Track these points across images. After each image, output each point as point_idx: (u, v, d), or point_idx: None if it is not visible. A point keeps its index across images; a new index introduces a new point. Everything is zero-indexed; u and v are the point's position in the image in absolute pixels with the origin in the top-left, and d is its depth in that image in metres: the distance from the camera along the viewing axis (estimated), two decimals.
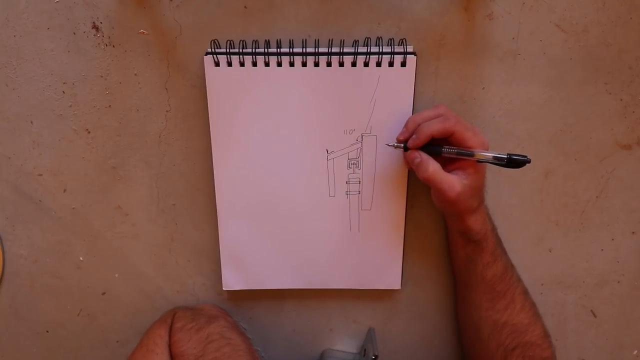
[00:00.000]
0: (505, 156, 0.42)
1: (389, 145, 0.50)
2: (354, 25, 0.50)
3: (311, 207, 0.54)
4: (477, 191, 0.48)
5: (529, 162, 0.41)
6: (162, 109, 0.53)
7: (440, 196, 0.47)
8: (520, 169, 0.54)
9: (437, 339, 0.61)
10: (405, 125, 0.49)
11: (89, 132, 0.53)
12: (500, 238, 0.53)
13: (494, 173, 0.55)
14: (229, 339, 0.51)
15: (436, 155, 0.47)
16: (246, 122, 0.51)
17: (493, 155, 0.43)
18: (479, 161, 0.46)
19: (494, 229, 0.52)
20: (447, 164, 0.48)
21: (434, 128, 0.46)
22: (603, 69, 0.52)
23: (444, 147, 0.47)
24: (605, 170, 0.55)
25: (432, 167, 0.46)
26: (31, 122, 0.53)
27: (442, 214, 0.54)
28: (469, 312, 0.55)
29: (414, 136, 0.47)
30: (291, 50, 0.49)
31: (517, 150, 0.54)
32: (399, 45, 0.49)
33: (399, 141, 0.49)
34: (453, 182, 0.46)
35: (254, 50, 0.49)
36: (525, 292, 0.53)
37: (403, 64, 0.49)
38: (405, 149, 0.49)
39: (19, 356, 0.62)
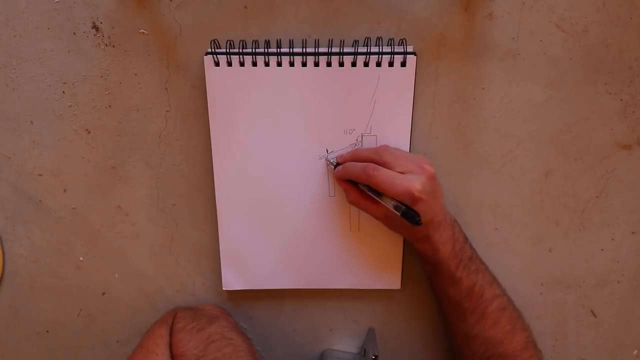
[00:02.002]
0: (401, 210, 0.44)
1: (327, 160, 0.52)
2: (354, 25, 0.50)
3: (311, 207, 0.54)
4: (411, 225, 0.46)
5: (419, 224, 0.43)
6: (162, 109, 0.53)
7: None
8: (521, 169, 0.54)
9: (437, 339, 0.61)
10: (350, 152, 0.51)
11: (89, 132, 0.53)
12: (475, 256, 0.52)
13: (494, 173, 0.55)
14: (230, 340, 0.51)
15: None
16: (246, 122, 0.51)
17: (393, 204, 0.45)
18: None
19: (456, 255, 0.50)
20: None
21: (352, 173, 0.48)
22: (603, 69, 0.52)
23: (359, 184, 0.49)
24: (605, 170, 0.55)
25: (350, 197, 0.50)
26: (31, 122, 0.53)
27: None
28: (444, 319, 0.56)
29: (339, 167, 0.50)
30: (291, 50, 0.49)
31: (517, 150, 0.54)
32: (399, 45, 0.49)
33: (338, 162, 0.51)
34: (373, 211, 0.49)
35: (254, 50, 0.49)
36: (503, 308, 0.51)
37: (403, 64, 0.49)
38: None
39: (19, 356, 0.62)
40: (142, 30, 0.50)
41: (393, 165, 0.46)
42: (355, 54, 0.49)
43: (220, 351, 0.49)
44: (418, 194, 0.44)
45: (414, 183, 0.45)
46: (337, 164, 0.51)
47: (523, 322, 0.53)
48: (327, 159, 0.52)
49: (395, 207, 0.44)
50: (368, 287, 0.58)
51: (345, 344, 0.62)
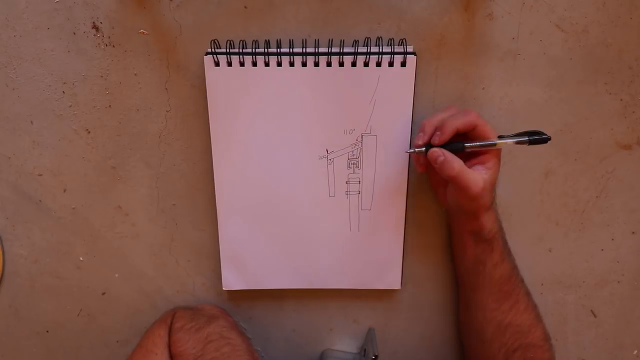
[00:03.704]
0: (527, 139, 0.46)
1: (409, 152, 0.51)
2: (354, 25, 0.50)
3: (311, 207, 0.54)
4: (493, 186, 0.49)
5: (549, 138, 0.45)
6: (162, 109, 0.53)
7: (463, 194, 0.47)
8: (521, 169, 0.54)
9: (437, 339, 0.61)
10: (422, 129, 0.48)
11: (89, 132, 0.53)
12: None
13: None
14: (228, 339, 0.51)
15: (458, 152, 0.47)
16: (246, 122, 0.51)
17: (514, 140, 0.46)
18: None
19: (502, 228, 0.52)
20: (466, 160, 0.48)
21: (459, 122, 0.46)
22: (603, 69, 0.52)
23: (466, 143, 0.47)
24: (605, 170, 0.55)
25: (457, 165, 0.46)
26: (31, 122, 0.53)
27: (452, 215, 0.53)
28: (473, 313, 0.55)
29: (438, 132, 0.47)
30: (291, 50, 0.49)
31: (517, 151, 0.54)
32: (399, 45, 0.49)
33: (418, 146, 0.48)
34: (476, 178, 0.46)
35: (254, 50, 0.49)
36: (528, 293, 0.53)
37: (403, 64, 0.49)
38: (426, 152, 0.48)
39: (19, 356, 0.62)
40: (142, 30, 0.50)
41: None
42: (355, 54, 0.48)
43: (219, 351, 0.49)
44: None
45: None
46: (421, 147, 0.48)
47: (539, 313, 0.54)
48: (413, 151, 0.49)
49: (520, 141, 0.46)
50: (368, 287, 0.58)
51: (345, 344, 0.62)
